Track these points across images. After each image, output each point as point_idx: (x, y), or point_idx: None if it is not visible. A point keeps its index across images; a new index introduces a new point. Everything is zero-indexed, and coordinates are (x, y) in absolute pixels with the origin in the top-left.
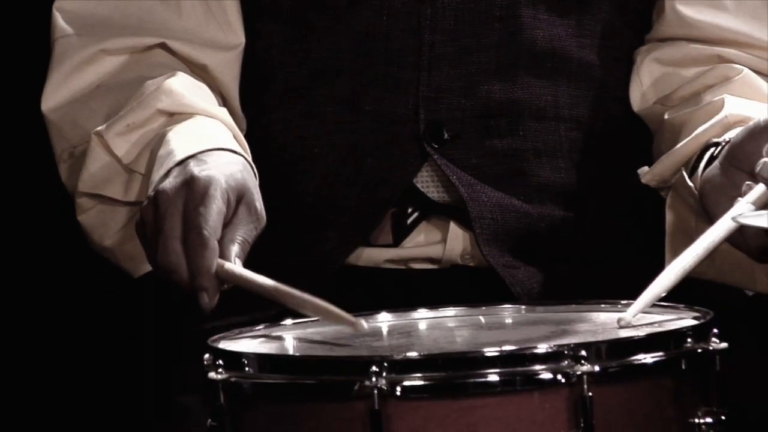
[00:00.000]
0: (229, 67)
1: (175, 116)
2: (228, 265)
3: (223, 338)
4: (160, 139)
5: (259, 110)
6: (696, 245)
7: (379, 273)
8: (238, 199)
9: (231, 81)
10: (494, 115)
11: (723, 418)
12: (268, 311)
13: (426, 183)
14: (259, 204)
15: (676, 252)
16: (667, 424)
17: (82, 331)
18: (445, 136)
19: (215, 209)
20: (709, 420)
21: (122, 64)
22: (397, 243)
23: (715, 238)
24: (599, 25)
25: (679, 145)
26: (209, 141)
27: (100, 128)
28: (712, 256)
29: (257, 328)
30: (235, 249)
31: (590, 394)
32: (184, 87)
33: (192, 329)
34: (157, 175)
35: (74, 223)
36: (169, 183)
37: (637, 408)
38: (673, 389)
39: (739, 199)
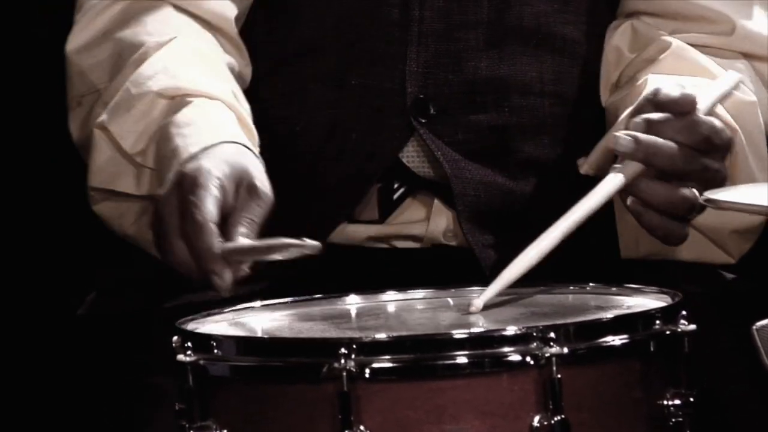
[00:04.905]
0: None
1: (175, 99)
2: (229, 243)
3: (192, 320)
4: (163, 133)
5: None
6: (561, 221)
7: (361, 252)
8: (237, 183)
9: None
10: (481, 91)
11: (691, 400)
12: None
13: (412, 158)
14: (260, 182)
15: (626, 236)
16: (635, 406)
17: (53, 311)
18: (432, 111)
19: (206, 194)
20: (677, 402)
21: (125, 9)
22: (383, 219)
23: (582, 211)
24: (585, 1)
25: (608, 133)
26: (209, 135)
27: (102, 119)
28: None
29: (226, 310)
30: (241, 230)
31: (559, 376)
32: (182, 62)
33: (161, 309)
34: (167, 177)
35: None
36: (164, 189)
37: (606, 390)
38: (641, 371)
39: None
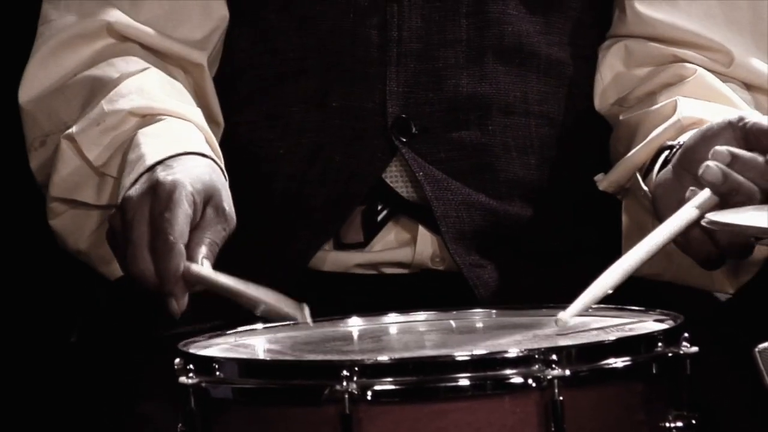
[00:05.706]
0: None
1: (146, 117)
2: (195, 267)
3: (194, 343)
4: (130, 141)
5: (225, 112)
6: (639, 247)
7: (349, 279)
8: (205, 201)
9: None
10: (462, 109)
11: (693, 422)
12: (234, 317)
13: (395, 178)
14: (228, 205)
15: None
16: (637, 428)
17: (44, 337)
18: (413, 130)
19: (181, 213)
20: (679, 424)
21: (98, 52)
22: (367, 241)
23: (660, 239)
24: (569, 23)
25: (633, 151)
26: (178, 145)
27: (71, 131)
28: (669, 257)
29: (228, 332)
30: (202, 251)
31: (561, 398)
32: (156, 86)
33: (156, 336)
34: (127, 180)
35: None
36: (135, 190)
37: (608, 412)
38: (643, 393)
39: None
